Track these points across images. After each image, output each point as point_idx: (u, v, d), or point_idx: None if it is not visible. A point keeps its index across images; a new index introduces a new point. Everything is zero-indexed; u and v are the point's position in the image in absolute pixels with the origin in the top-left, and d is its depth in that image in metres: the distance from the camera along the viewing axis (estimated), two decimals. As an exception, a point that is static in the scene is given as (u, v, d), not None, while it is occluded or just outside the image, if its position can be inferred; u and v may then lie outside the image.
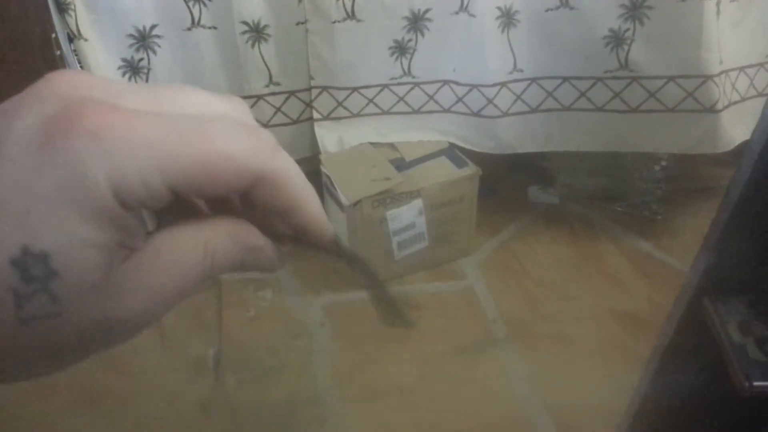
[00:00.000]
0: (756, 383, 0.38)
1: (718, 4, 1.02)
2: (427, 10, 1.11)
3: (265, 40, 1.11)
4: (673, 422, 0.59)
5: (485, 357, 1.02)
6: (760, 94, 1.18)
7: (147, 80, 1.10)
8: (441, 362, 1.01)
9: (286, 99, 1.19)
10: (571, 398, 0.94)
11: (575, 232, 1.28)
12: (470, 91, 1.16)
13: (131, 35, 1.06)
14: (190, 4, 1.06)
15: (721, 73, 1.07)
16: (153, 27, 1.07)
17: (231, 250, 0.22)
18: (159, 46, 1.08)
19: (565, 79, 1.13)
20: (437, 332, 1.06)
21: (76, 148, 0.16)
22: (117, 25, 1.04)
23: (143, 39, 1.07)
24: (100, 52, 1.03)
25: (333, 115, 1.21)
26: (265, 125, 1.19)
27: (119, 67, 1.07)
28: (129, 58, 1.07)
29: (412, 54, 1.15)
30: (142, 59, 1.08)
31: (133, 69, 1.08)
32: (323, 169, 1.16)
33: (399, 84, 1.19)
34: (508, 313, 1.11)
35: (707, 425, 0.56)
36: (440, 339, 1.05)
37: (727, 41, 1.06)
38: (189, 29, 1.08)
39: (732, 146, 1.10)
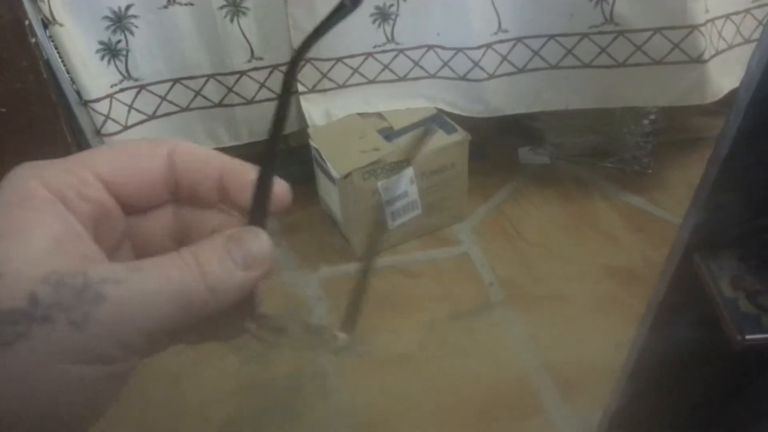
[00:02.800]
0: (748, 336, 0.39)
1: (701, -49, 1.00)
2: (407, -26, 1.09)
3: (244, 14, 1.09)
4: (669, 376, 0.60)
5: (484, 321, 1.03)
6: (746, 41, 1.17)
7: (126, 62, 1.08)
8: (440, 329, 1.02)
9: (270, 73, 1.17)
10: (570, 356, 0.95)
11: (567, 191, 1.28)
12: (456, 54, 1.14)
13: (107, 17, 1.03)
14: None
15: (707, 21, 1.05)
16: (129, 7, 1.04)
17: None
18: (136, 27, 1.06)
19: (551, 36, 1.12)
20: (435, 299, 1.07)
21: None
22: (91, 8, 1.01)
23: (119, 20, 1.04)
24: (76, 36, 1.01)
25: (318, 87, 1.19)
26: (250, 101, 1.18)
27: (97, 51, 1.05)
28: (106, 40, 1.05)
29: (395, 20, 1.13)
30: (119, 41, 1.06)
31: (111, 52, 1.06)
32: (312, 143, 1.15)
33: (383, 51, 1.17)
34: (504, 277, 1.11)
35: (703, 378, 0.57)
36: (438, 306, 1.06)
37: (711, -11, 1.05)
38: (165, 7, 1.06)
39: (720, 96, 1.10)
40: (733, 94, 0.40)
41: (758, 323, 0.39)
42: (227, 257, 0.22)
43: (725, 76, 1.11)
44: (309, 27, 1.12)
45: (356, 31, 1.14)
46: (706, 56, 1.06)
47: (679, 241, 0.48)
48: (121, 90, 1.10)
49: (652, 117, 1.25)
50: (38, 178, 0.21)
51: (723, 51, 1.12)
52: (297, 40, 1.13)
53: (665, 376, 0.59)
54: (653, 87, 1.11)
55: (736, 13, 1.13)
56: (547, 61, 1.14)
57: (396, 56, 1.18)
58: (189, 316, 0.21)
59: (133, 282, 0.20)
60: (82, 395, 0.19)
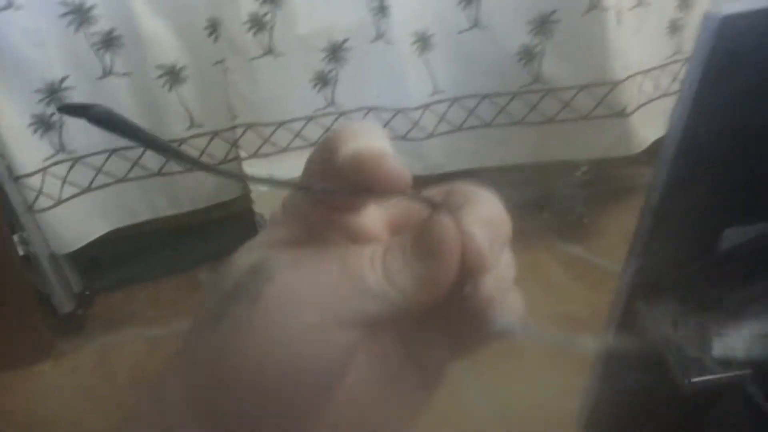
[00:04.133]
0: (695, 379, 0.40)
1: (618, 13, 1.08)
2: (345, 40, 1.12)
3: (183, 82, 1.10)
4: (625, 420, 0.61)
5: (438, 378, 1.02)
6: (665, 94, 1.25)
7: (60, 135, 1.06)
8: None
9: (211, 140, 1.17)
10: (528, 408, 0.95)
11: (509, 242, 1.31)
12: (395, 115, 1.18)
13: (40, 90, 1.01)
14: (101, 52, 1.03)
15: (628, 78, 1.13)
16: (63, 79, 1.03)
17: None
18: (71, 99, 1.04)
19: (485, 96, 1.17)
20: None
21: None
22: (24, 81, 0.99)
23: (53, 93, 1.03)
24: (7, 110, 0.98)
25: (260, 152, 1.19)
26: (191, 169, 1.16)
27: (30, 124, 1.02)
28: (39, 113, 1.03)
29: (335, 84, 1.16)
30: (53, 114, 1.04)
31: (45, 125, 1.04)
32: (255, 209, 1.14)
33: (324, 115, 1.19)
34: (455, 331, 1.11)
35: (657, 420, 0.58)
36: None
37: (629, 48, 1.13)
38: (101, 78, 1.05)
39: (645, 146, 1.16)
40: (658, 143, 0.43)
41: (702, 366, 0.40)
42: (403, 246, 0.22)
43: (648, 127, 1.18)
44: (249, 93, 1.13)
45: (297, 96, 1.15)
46: (629, 110, 1.12)
47: (621, 289, 0.50)
48: (55, 163, 1.07)
49: (584, 168, 1.31)
50: (282, 205, 0.25)
51: (644, 104, 1.20)
52: (238, 106, 1.13)
53: (620, 421, 0.60)
54: (582, 141, 1.17)
55: (654, 68, 1.22)
56: (483, 119, 1.19)
57: (337, 119, 1.20)
58: (368, 304, 0.21)
59: (305, 264, 0.21)
60: (277, 363, 0.20)
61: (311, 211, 0.24)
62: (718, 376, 0.40)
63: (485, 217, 0.22)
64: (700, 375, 0.40)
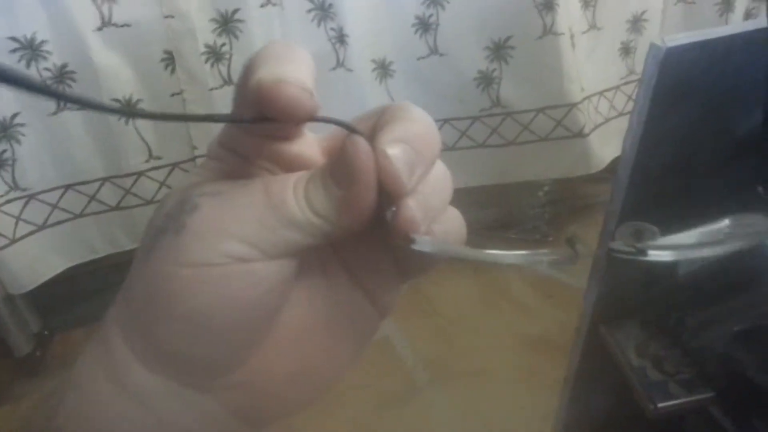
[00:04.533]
0: (660, 404, 0.40)
1: (571, 37, 1.10)
2: (303, 69, 1.12)
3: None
4: (594, 445, 0.61)
5: (410, 406, 1.01)
6: (620, 114, 1.28)
7: (12, 172, 1.02)
8: (367, 421, 0.99)
9: (170, 172, 1.15)
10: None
11: (477, 263, 1.32)
12: (357, 142, 1.18)
13: (-10, 127, 0.98)
14: (53, 88, 1.00)
15: (584, 99, 1.15)
16: (15, 115, 1.00)
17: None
18: (23, 135, 1.02)
19: (446, 120, 1.18)
20: (359, 389, 1.04)
21: None
22: (-28, 119, 0.96)
23: (5, 129, 1.00)
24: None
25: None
26: (150, 202, 1.14)
27: (-21, 163, 0.99)
28: (-10, 151, 1.00)
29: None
30: (5, 150, 1.01)
31: (-5, 162, 1.01)
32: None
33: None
34: (426, 358, 1.11)
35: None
36: (363, 396, 1.03)
37: (584, 70, 1.16)
38: (55, 113, 1.03)
39: (604, 165, 1.19)
40: (616, 162, 0.43)
41: (667, 390, 0.41)
42: (323, 172, 0.21)
43: (606, 146, 1.20)
44: (208, 124, 1.11)
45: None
46: (587, 130, 1.15)
47: (584, 314, 0.50)
48: (8, 201, 1.03)
49: (546, 188, 1.33)
50: (218, 137, 0.24)
51: (601, 124, 1.22)
52: (197, 137, 1.12)
53: (591, 447, 0.60)
54: (542, 162, 1.19)
55: (608, 89, 1.25)
56: (445, 143, 1.19)
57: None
58: (291, 233, 0.21)
59: (229, 194, 0.21)
60: (203, 294, 0.20)
61: (244, 141, 0.23)
62: (682, 400, 0.40)
63: (406, 135, 0.21)
64: (665, 400, 0.40)
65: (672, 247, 0.20)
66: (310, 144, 0.24)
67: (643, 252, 0.20)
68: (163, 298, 0.21)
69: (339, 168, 0.21)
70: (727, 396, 0.40)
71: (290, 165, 0.24)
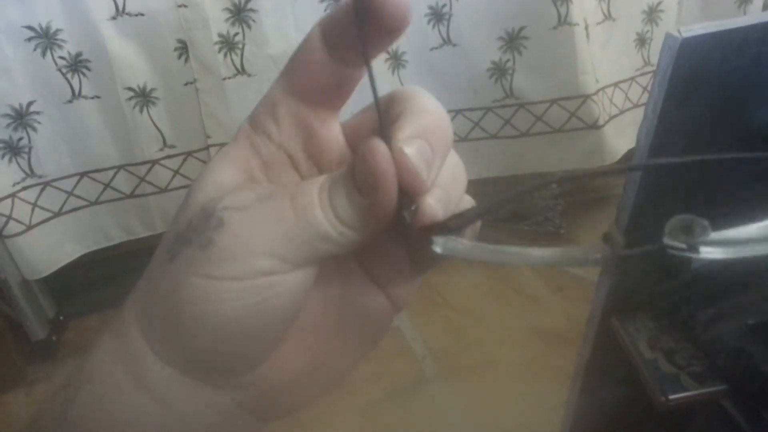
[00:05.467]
0: (672, 396, 0.40)
1: (586, 28, 1.09)
2: (316, 59, 1.12)
3: (154, 103, 1.08)
4: (604, 437, 0.61)
5: (419, 397, 1.02)
6: (635, 105, 1.27)
7: (29, 159, 1.04)
8: (377, 411, 0.99)
9: (184, 160, 1.15)
10: (508, 424, 0.94)
11: (500, 266, 1.31)
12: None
13: (7, 114, 1.00)
14: (69, 76, 1.01)
15: (598, 91, 1.14)
16: (30, 104, 1.01)
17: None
18: (39, 123, 1.03)
19: (459, 111, 1.17)
20: (369, 380, 1.05)
21: None
22: (-11, 106, 0.98)
23: (21, 117, 1.01)
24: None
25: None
26: (164, 190, 1.15)
27: (-4, 150, 1.00)
28: (7, 138, 1.01)
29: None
30: (21, 138, 1.02)
31: (12, 150, 1.02)
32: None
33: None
34: (436, 348, 1.11)
35: (636, 435, 0.58)
36: (373, 387, 1.03)
37: (599, 61, 1.14)
38: (70, 101, 1.04)
39: (618, 157, 1.18)
40: (631, 153, 0.43)
41: (678, 383, 0.40)
42: (345, 180, 0.21)
43: (620, 138, 1.19)
44: (222, 113, 1.12)
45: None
46: (601, 122, 1.14)
47: (596, 306, 0.50)
48: (24, 188, 1.05)
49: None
50: (250, 117, 0.24)
51: (615, 116, 1.21)
52: (211, 126, 1.12)
53: (600, 438, 0.60)
54: (556, 153, 1.18)
55: (623, 81, 1.24)
56: (457, 134, 1.19)
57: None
58: (321, 244, 0.21)
59: (255, 210, 0.21)
60: (229, 302, 0.21)
61: (275, 125, 0.23)
62: (694, 392, 0.40)
63: (420, 129, 0.21)
64: (676, 392, 0.40)
65: (725, 243, 0.19)
66: (337, 131, 0.25)
67: (695, 249, 0.19)
68: (187, 304, 0.21)
69: (360, 176, 0.21)
70: (739, 389, 0.39)
71: (319, 150, 0.24)
